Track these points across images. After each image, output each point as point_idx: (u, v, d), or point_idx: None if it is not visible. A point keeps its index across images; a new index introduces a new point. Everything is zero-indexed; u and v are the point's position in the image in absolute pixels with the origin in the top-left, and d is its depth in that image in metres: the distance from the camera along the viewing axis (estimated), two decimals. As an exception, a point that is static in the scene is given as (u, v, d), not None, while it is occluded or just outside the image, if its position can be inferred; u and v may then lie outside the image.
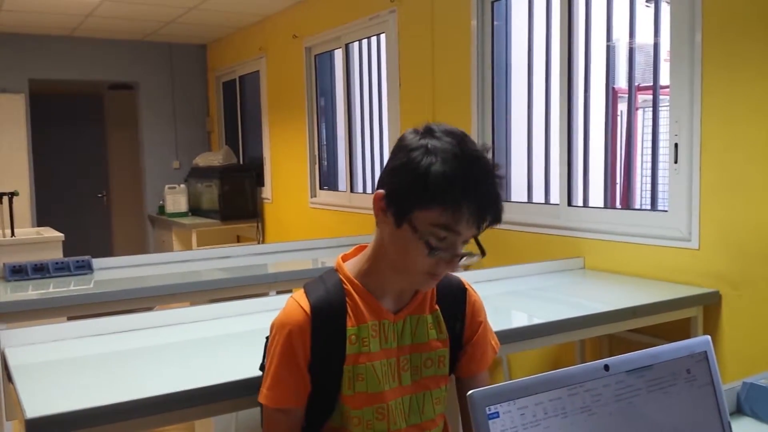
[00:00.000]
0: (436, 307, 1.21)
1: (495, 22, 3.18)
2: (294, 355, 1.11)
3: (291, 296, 1.17)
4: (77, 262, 2.74)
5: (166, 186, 5.95)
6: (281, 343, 1.12)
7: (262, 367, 1.28)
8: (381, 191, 1.10)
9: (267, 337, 1.29)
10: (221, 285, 2.64)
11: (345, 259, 1.22)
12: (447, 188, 1.02)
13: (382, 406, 1.15)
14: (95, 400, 1.29)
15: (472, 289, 1.28)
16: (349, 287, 1.16)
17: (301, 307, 1.13)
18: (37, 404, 1.28)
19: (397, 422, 1.16)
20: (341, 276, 1.17)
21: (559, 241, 2.82)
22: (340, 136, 4.63)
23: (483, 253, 1.10)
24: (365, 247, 1.22)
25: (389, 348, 1.16)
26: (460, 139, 1.07)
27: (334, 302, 1.14)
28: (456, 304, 1.23)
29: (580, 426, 0.76)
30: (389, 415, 1.15)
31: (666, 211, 2.41)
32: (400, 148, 1.09)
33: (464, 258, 1.08)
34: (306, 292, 1.16)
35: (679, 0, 2.27)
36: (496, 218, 1.07)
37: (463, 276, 1.32)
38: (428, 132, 1.07)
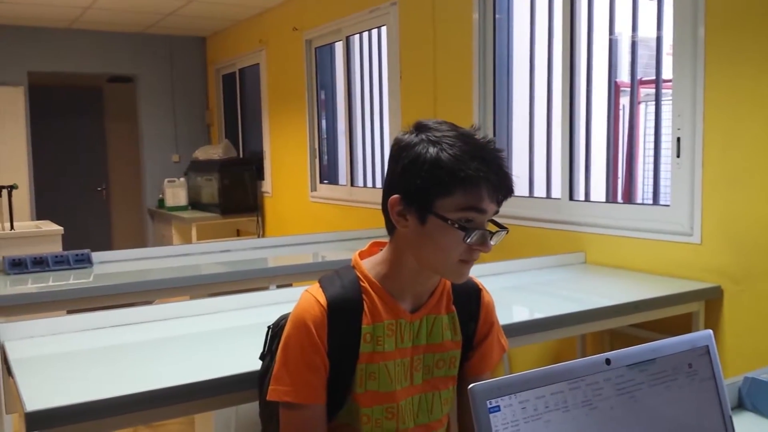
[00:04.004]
0: (453, 308, 1.20)
1: (497, 15, 3.17)
2: (314, 350, 1.10)
3: (306, 290, 1.16)
4: (77, 255, 2.74)
5: (166, 179, 5.95)
6: (300, 338, 1.10)
7: (262, 357, 1.27)
8: (396, 195, 1.10)
9: (269, 327, 1.28)
10: (221, 279, 2.64)
11: (362, 256, 1.21)
12: (462, 169, 1.04)
13: (393, 405, 1.14)
14: (95, 394, 1.29)
15: (486, 289, 1.28)
16: (367, 285, 1.15)
17: (318, 301, 1.12)
18: (37, 398, 1.27)
19: (406, 422, 1.16)
20: (358, 273, 1.16)
21: (561, 235, 2.81)
22: (341, 129, 4.62)
23: (506, 229, 1.12)
24: (381, 243, 1.21)
25: (404, 347, 1.15)
26: (453, 125, 1.10)
27: (351, 299, 1.13)
28: (471, 305, 1.23)
29: (581, 420, 0.75)
30: (399, 415, 1.15)
31: (668, 205, 2.40)
32: (401, 149, 1.10)
33: (494, 236, 1.09)
34: (322, 287, 1.15)
35: (682, -7, 2.26)
36: (510, 189, 1.09)
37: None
38: (421, 127, 1.10)
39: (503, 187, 1.08)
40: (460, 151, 1.05)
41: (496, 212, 1.10)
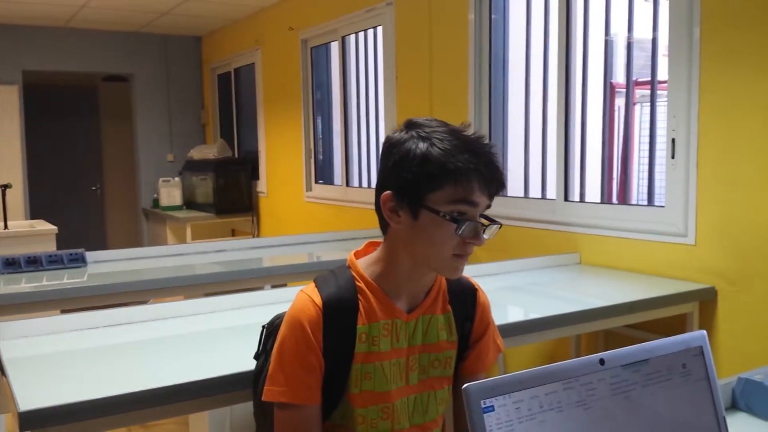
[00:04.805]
0: (449, 308, 1.20)
1: (492, 16, 3.17)
2: (309, 350, 1.10)
3: (301, 290, 1.15)
4: (71, 255, 2.73)
5: (161, 179, 5.93)
6: (296, 338, 1.10)
7: (257, 356, 1.27)
8: (388, 192, 1.10)
9: (264, 326, 1.28)
10: (216, 279, 2.64)
11: (357, 256, 1.21)
12: (452, 162, 1.04)
13: (388, 405, 1.14)
14: (89, 394, 1.28)
15: (482, 290, 1.28)
16: (362, 285, 1.15)
17: (313, 301, 1.12)
18: (30, 397, 1.27)
19: (401, 422, 1.16)
20: (354, 273, 1.16)
21: (556, 236, 2.82)
22: (336, 129, 4.62)
23: (499, 223, 1.12)
24: (376, 243, 1.21)
25: (400, 348, 1.15)
26: (444, 122, 1.12)
27: (346, 299, 1.13)
28: (467, 305, 1.23)
29: (575, 420, 0.75)
30: (394, 415, 1.15)
31: (663, 206, 2.41)
32: (392, 146, 1.11)
33: (487, 229, 1.09)
34: (317, 287, 1.14)
35: (677, -5, 2.27)
36: (502, 183, 1.10)
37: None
38: (411, 125, 1.11)
39: (494, 180, 1.08)
40: (450, 145, 1.06)
41: (488, 206, 1.10)
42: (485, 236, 1.09)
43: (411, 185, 1.07)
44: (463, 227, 1.06)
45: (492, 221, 1.11)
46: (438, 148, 1.06)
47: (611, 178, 2.88)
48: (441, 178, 1.05)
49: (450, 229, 1.06)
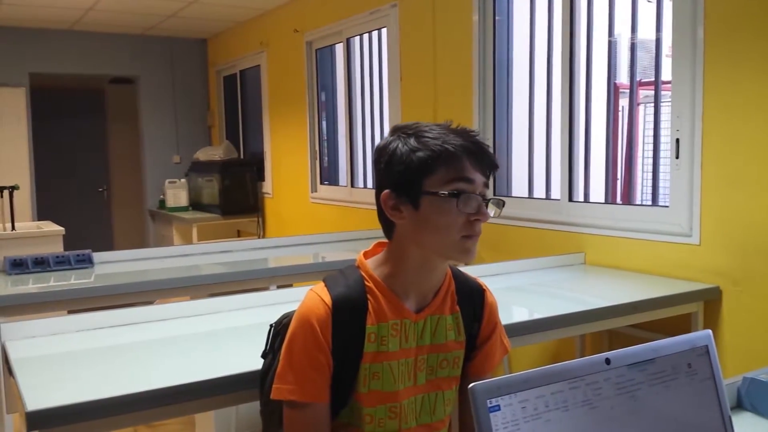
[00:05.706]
0: (457, 308, 1.21)
1: (496, 17, 3.17)
2: (318, 349, 1.10)
3: (311, 289, 1.16)
4: (78, 255, 2.75)
5: (167, 180, 5.95)
6: (305, 337, 1.11)
7: (264, 355, 1.27)
8: (386, 191, 1.13)
9: (272, 325, 1.28)
10: (222, 279, 2.65)
11: (366, 256, 1.21)
12: (439, 145, 1.08)
13: (396, 405, 1.15)
14: (96, 393, 1.29)
15: (489, 290, 1.28)
16: (371, 285, 1.15)
17: (323, 300, 1.12)
18: (38, 397, 1.28)
19: (409, 421, 1.16)
20: (363, 273, 1.17)
21: (560, 236, 2.82)
22: (341, 131, 4.62)
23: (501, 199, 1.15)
24: (384, 243, 1.22)
25: (408, 348, 1.16)
26: (424, 122, 1.16)
27: (355, 299, 1.13)
28: (475, 305, 1.24)
29: (581, 419, 0.75)
30: (401, 414, 1.15)
31: (667, 206, 2.41)
32: (381, 150, 1.15)
33: (490, 204, 1.11)
34: (327, 286, 1.15)
35: (682, -5, 2.26)
36: (493, 162, 1.13)
37: (466, 270, 1.32)
38: (397, 128, 1.16)
39: (485, 158, 1.11)
40: (435, 134, 1.10)
41: (486, 185, 1.12)
42: (491, 213, 1.11)
43: (405, 177, 1.10)
44: (462, 201, 1.07)
45: (493, 199, 1.13)
46: (425, 137, 1.10)
47: (615, 178, 2.87)
48: (432, 162, 1.08)
49: (452, 208, 1.07)
